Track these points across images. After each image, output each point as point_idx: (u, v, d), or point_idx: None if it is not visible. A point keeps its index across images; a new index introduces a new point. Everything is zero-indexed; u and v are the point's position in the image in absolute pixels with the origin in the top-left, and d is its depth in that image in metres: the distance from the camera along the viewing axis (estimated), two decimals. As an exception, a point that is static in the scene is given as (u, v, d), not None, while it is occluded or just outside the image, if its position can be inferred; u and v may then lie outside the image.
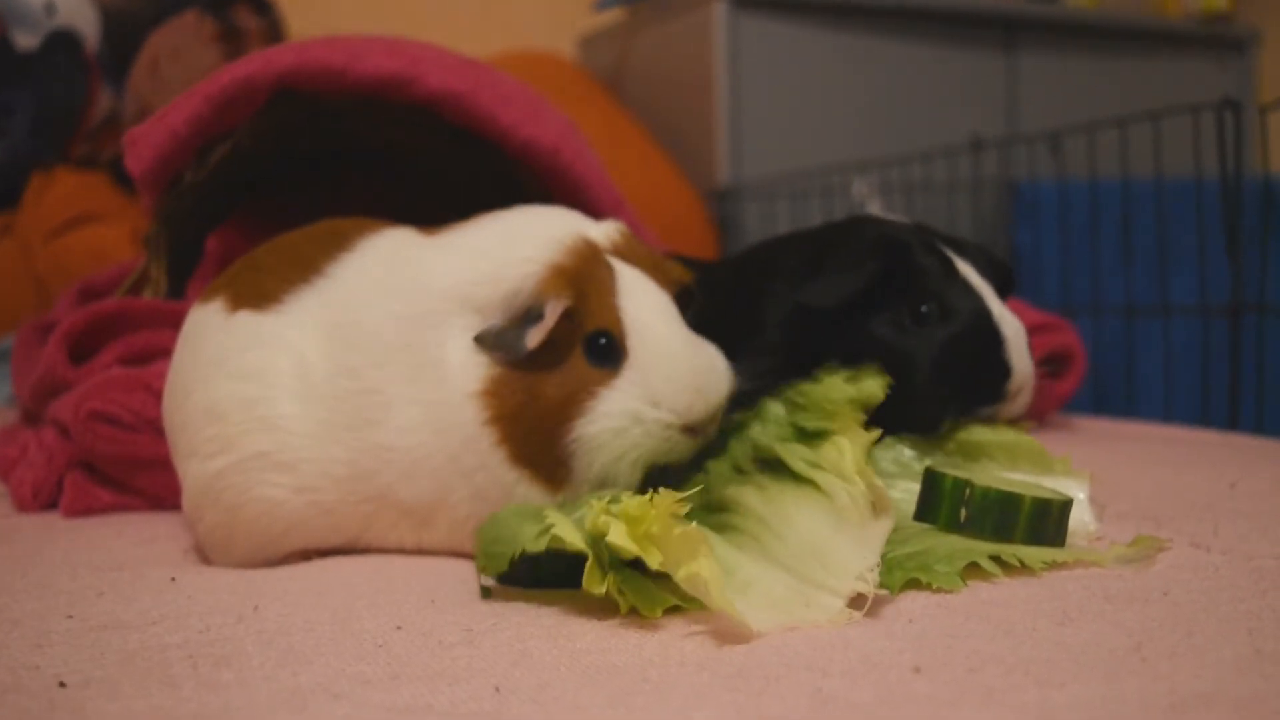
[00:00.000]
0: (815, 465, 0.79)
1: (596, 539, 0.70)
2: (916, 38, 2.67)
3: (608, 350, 0.86)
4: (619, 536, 0.68)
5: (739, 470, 0.87)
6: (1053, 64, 2.83)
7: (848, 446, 0.78)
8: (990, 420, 1.05)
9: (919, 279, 1.05)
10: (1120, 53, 2.92)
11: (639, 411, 0.85)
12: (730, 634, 0.67)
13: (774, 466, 0.83)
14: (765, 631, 0.68)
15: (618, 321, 0.87)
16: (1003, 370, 1.05)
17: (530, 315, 0.84)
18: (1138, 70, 2.93)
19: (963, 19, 2.72)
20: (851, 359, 1.02)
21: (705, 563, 0.67)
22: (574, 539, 0.70)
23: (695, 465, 0.91)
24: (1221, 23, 3.06)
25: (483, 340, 0.84)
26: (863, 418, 0.84)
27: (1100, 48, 2.89)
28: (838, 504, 0.76)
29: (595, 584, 0.70)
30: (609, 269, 0.89)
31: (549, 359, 0.85)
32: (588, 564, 0.70)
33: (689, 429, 0.87)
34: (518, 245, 0.87)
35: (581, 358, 0.86)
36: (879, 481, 0.77)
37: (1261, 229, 1.69)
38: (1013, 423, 1.06)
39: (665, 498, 0.70)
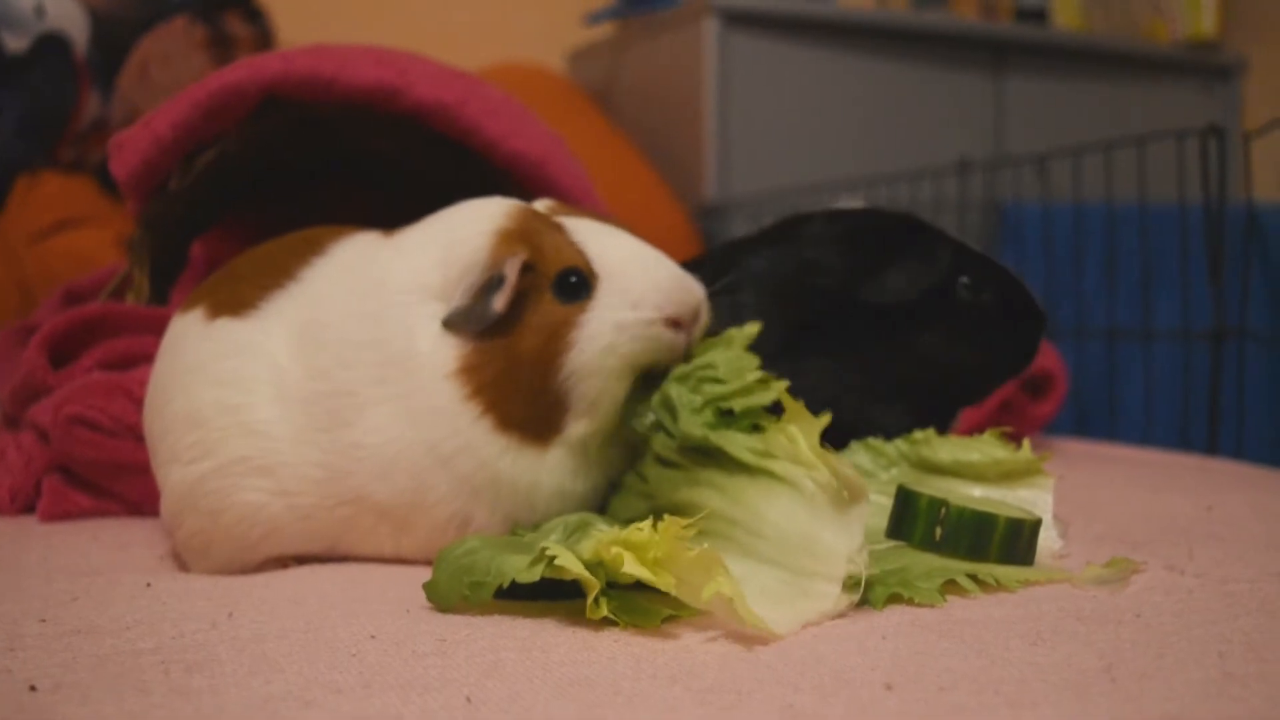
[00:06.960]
0: (766, 454, 0.78)
1: (594, 566, 0.70)
2: (906, 59, 2.69)
3: (579, 285, 0.87)
4: (631, 565, 0.68)
5: (668, 464, 0.86)
6: (1040, 87, 2.84)
7: (798, 433, 0.77)
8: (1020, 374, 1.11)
9: (957, 255, 1.06)
10: (1108, 77, 2.94)
11: (620, 319, 0.87)
12: (702, 648, 0.67)
13: (714, 457, 0.82)
14: (787, 634, 0.68)
15: (580, 255, 0.88)
16: (1039, 316, 1.09)
17: (491, 284, 0.85)
18: (1125, 95, 2.95)
19: (952, 41, 2.74)
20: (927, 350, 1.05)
21: (725, 580, 0.67)
22: (576, 568, 0.69)
23: (630, 467, 0.91)
24: (1209, 49, 3.08)
25: (451, 322, 0.85)
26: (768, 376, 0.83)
27: (1088, 72, 2.91)
28: (805, 492, 0.75)
29: (596, 611, 0.70)
30: (556, 223, 0.90)
31: (520, 317, 0.86)
32: (592, 593, 0.70)
33: (674, 322, 0.88)
34: (460, 226, 0.89)
35: (553, 302, 0.87)
36: (848, 467, 0.75)
37: (1244, 255, 1.69)
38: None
39: (671, 523, 0.69)
